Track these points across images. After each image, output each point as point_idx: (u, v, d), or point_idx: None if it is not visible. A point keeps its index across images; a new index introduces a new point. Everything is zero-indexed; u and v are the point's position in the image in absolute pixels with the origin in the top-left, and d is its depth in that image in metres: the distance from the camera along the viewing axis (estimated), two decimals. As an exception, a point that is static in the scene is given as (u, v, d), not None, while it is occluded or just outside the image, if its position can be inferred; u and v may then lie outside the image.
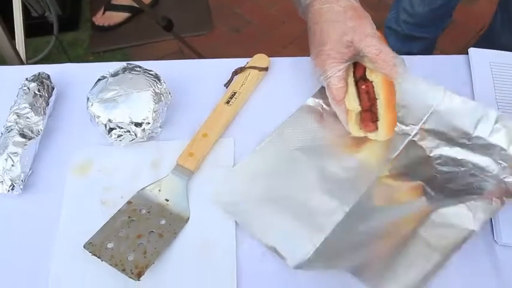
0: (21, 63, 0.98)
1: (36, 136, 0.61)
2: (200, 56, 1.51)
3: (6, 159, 0.58)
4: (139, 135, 0.60)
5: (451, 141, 0.60)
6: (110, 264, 0.52)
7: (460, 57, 0.72)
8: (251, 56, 0.70)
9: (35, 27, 1.61)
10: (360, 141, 0.61)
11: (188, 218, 0.56)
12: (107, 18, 1.82)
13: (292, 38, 1.71)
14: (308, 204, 0.56)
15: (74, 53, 1.77)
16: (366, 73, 0.58)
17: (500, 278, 0.52)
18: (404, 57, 0.73)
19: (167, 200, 0.57)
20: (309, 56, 0.64)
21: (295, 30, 1.71)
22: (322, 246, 0.53)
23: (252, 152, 0.61)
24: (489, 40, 0.69)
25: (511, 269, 0.53)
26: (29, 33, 1.14)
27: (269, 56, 0.70)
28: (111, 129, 0.59)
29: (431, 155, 0.60)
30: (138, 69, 0.62)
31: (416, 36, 1.27)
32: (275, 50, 1.66)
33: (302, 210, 0.56)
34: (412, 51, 1.29)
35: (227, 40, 1.79)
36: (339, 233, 0.54)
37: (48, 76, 0.66)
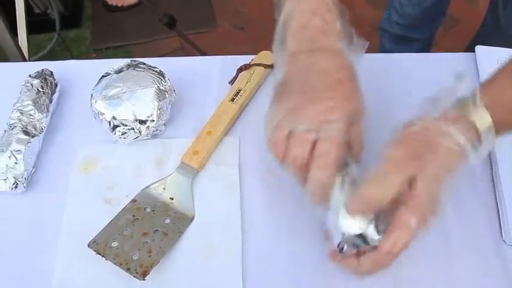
0: (24, 60, 0.98)
1: (40, 133, 0.60)
2: (203, 53, 1.50)
3: (9, 157, 0.57)
4: (143, 132, 0.59)
5: None
6: (115, 264, 0.51)
7: (461, 55, 0.71)
8: (255, 54, 0.69)
9: (37, 24, 1.60)
10: None
11: (193, 217, 0.56)
12: None
13: (296, 35, 1.70)
14: None
15: (76, 50, 1.77)
16: None
17: (509, 278, 0.52)
18: (406, 55, 0.73)
19: (172, 199, 0.57)
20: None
21: (299, 27, 1.69)
22: None
23: None
24: (480, 41, 0.68)
25: (520, 270, 0.52)
26: (31, 30, 1.13)
27: (273, 54, 0.69)
28: (116, 126, 0.58)
29: None
30: (143, 66, 0.61)
31: (409, 37, 1.24)
32: (278, 48, 1.65)
33: None
34: (405, 51, 1.26)
35: (230, 38, 1.78)
36: None
37: (52, 73, 0.66)
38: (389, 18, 1.22)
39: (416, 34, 1.23)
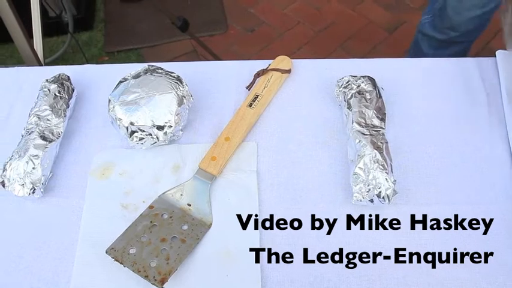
0: (39, 63, 0.98)
1: (57, 139, 0.60)
2: (215, 56, 1.50)
3: (27, 162, 0.57)
4: (161, 138, 0.59)
5: None
6: (133, 271, 0.51)
7: (482, 60, 0.70)
8: (265, 56, 0.69)
9: (49, 27, 1.61)
10: None
11: (211, 224, 0.55)
12: None
13: (308, 38, 1.69)
14: None
15: (88, 52, 1.77)
16: None
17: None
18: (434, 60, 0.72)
19: (189, 205, 0.56)
20: (325, 57, 0.62)
21: (310, 30, 1.69)
22: None
23: None
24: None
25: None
26: (44, 33, 1.13)
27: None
28: (133, 132, 0.58)
29: None
30: (160, 71, 0.61)
31: (452, 42, 1.21)
32: (290, 51, 1.64)
33: None
34: (443, 55, 1.22)
35: (241, 40, 1.77)
36: None
37: (68, 77, 0.66)
38: (431, 22, 1.19)
39: (460, 38, 1.20)
